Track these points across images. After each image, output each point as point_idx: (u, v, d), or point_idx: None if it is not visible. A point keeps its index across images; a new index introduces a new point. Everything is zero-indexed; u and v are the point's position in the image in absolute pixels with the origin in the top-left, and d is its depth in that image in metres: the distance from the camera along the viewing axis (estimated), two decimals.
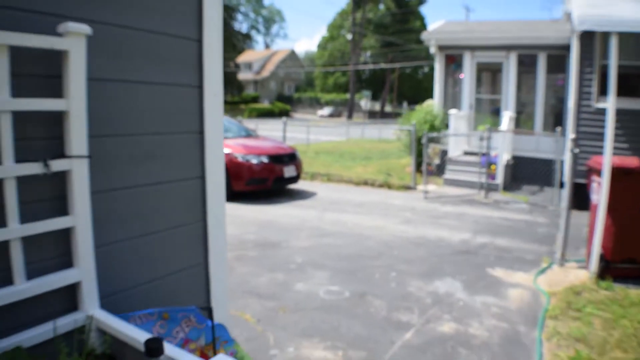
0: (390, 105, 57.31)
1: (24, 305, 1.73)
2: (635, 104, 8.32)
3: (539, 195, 10.69)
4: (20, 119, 1.67)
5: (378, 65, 53.64)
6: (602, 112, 7.95)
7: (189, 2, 2.33)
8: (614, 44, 5.23)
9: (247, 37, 59.70)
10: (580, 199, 7.57)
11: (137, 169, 2.15)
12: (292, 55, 68.64)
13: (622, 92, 5.98)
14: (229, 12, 49.88)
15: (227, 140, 9.89)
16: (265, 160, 9.87)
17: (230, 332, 3.01)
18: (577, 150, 6.11)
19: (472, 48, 12.69)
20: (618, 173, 5.17)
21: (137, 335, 1.72)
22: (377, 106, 57.14)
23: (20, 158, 1.67)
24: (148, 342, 1.49)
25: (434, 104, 13.29)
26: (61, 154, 1.79)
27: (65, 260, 1.87)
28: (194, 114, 2.41)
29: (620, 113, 7.05)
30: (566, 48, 10.57)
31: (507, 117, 11.43)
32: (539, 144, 11.88)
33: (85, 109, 1.83)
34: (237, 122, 12.70)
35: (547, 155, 10.89)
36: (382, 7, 56.10)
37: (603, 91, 8.33)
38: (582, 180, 7.18)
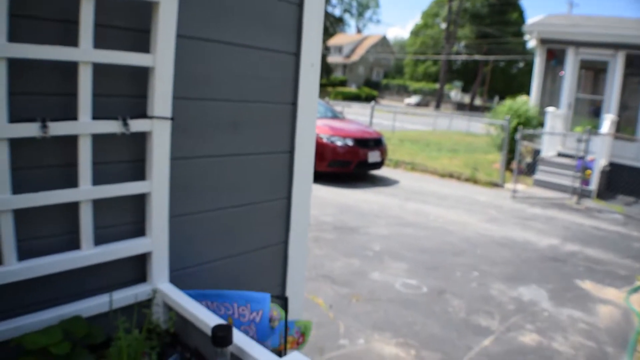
0: (480, 98, 55.32)
1: (90, 272, 1.63)
2: None
3: (635, 207, 9.86)
4: (100, 72, 1.55)
5: (471, 56, 51.86)
6: None
7: None
8: None
9: (340, 20, 59.42)
10: None
11: (222, 138, 2.00)
12: (383, 41, 67.58)
13: None
14: None
15: None
16: (350, 143, 9.70)
17: (301, 316, 2.87)
18: None
19: (576, 44, 11.84)
20: None
21: (205, 317, 1.57)
22: (466, 98, 55.34)
23: (97, 115, 1.55)
24: (216, 330, 1.34)
25: (529, 100, 12.57)
26: (142, 114, 1.67)
27: (137, 229, 1.75)
28: (288, 84, 2.22)
29: None
30: None
31: (608, 120, 10.63)
32: None
33: (172, 67, 1.68)
34: (324, 103, 12.57)
35: None
36: None
37: None
38: None
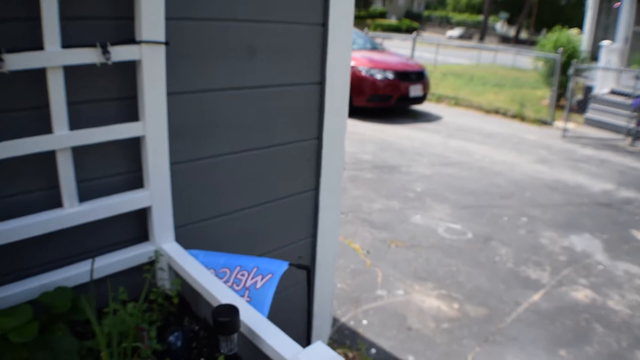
0: (527, 31, 52.62)
1: (78, 234, 1.35)
2: None
3: None
4: None
5: None
6: None
7: None
8: None
9: None
10: None
11: (233, 67, 1.65)
12: None
13: None
14: None
15: None
16: (390, 76, 9.19)
17: (337, 262, 2.60)
18: None
19: None
20: None
21: (214, 289, 1.29)
22: (511, 31, 52.73)
23: (69, 42, 1.22)
24: (217, 313, 1.06)
25: (579, 32, 11.63)
26: (130, 39, 1.33)
27: (132, 179, 1.46)
28: None
29: None
30: None
31: None
32: None
33: None
34: (362, 34, 11.93)
35: None
36: None
37: None
38: None
